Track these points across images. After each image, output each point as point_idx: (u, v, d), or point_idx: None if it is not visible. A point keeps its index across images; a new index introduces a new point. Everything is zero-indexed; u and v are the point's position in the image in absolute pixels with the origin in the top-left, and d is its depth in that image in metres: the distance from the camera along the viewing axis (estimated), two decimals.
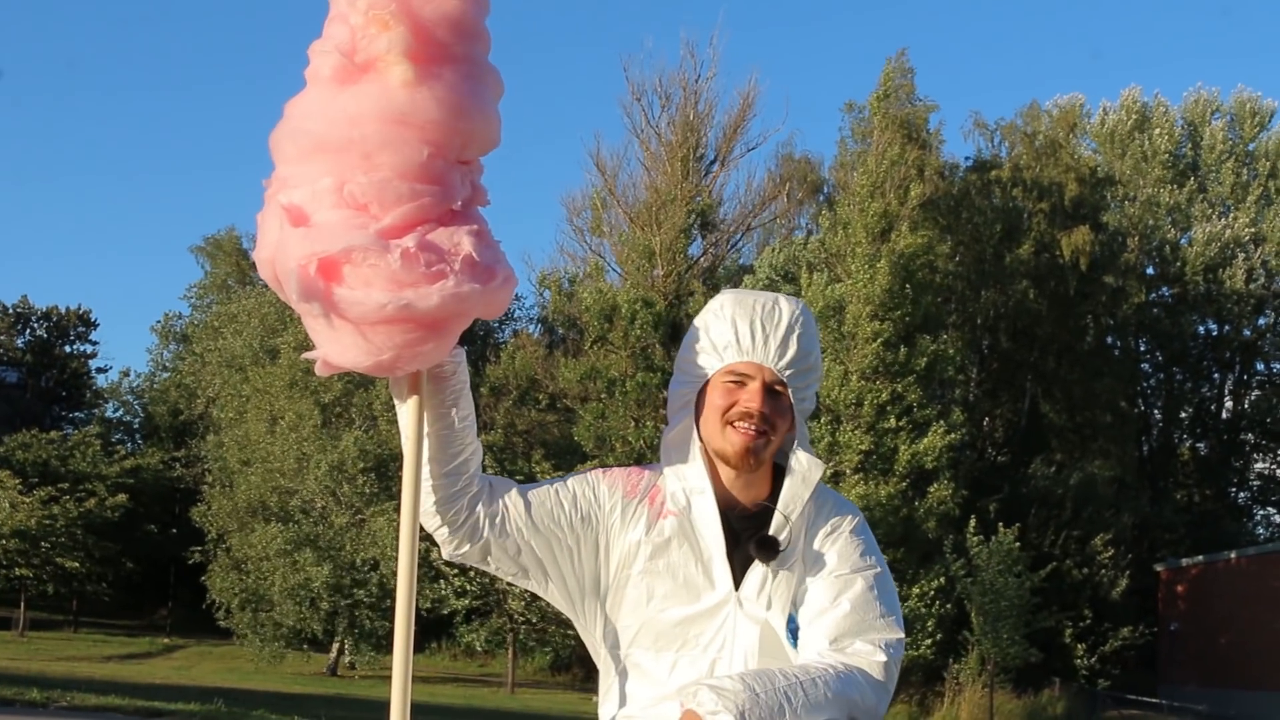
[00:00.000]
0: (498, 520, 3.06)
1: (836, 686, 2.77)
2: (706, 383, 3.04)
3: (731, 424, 2.97)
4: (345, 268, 2.79)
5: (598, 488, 3.09)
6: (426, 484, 3.04)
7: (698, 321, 3.08)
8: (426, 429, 3.01)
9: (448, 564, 35.31)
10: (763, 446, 2.97)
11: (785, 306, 3.02)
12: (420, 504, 3.03)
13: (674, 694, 2.92)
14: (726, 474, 3.03)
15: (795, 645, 2.94)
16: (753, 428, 2.96)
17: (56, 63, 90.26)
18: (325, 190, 2.84)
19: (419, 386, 2.99)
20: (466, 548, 3.09)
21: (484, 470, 3.15)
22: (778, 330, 2.98)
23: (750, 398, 2.97)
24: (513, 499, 3.08)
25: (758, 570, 2.97)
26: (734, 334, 2.99)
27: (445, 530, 3.08)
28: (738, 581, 2.98)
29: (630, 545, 3.04)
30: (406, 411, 3.00)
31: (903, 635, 2.94)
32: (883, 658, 2.86)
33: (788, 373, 2.98)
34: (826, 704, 2.73)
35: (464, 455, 3.05)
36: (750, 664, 2.91)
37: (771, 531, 2.97)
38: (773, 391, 2.98)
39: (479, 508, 3.06)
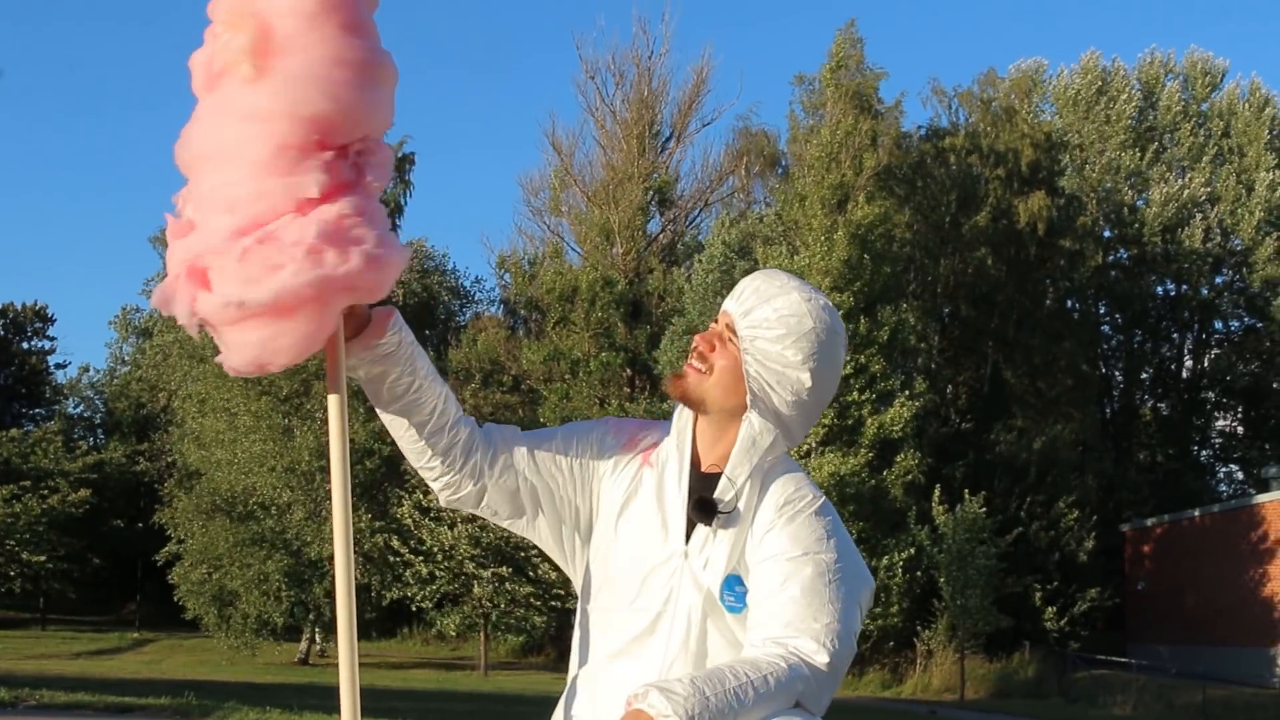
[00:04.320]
0: (498, 464, 3.12)
1: (785, 680, 2.76)
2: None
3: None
4: (208, 272, 2.82)
5: (605, 437, 3.18)
6: (418, 445, 3.09)
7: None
8: (407, 398, 3.05)
9: (414, 552, 35.36)
10: (694, 382, 3.04)
11: (795, 295, 3.02)
12: (418, 460, 3.11)
13: (625, 648, 3.01)
14: (700, 430, 3.09)
15: (731, 608, 2.96)
16: (691, 357, 3.05)
17: (8, 59, 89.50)
18: (204, 197, 2.87)
19: (339, 383, 2.99)
20: (465, 491, 3.15)
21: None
22: (763, 296, 3.02)
23: (701, 335, 3.07)
24: (515, 441, 3.16)
25: (702, 529, 3.00)
26: (737, 289, 3.08)
27: (444, 479, 3.13)
28: (689, 538, 3.02)
29: (612, 496, 3.11)
30: (332, 408, 3.02)
31: (849, 627, 2.91)
32: (825, 658, 2.83)
33: (743, 322, 3.00)
34: (773, 698, 2.74)
35: (438, 407, 3.09)
36: (694, 619, 2.96)
37: (717, 494, 3.00)
38: (724, 336, 3.04)
39: (475, 454, 3.12)
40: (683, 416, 3.09)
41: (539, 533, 3.20)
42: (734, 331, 3.02)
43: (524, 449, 3.14)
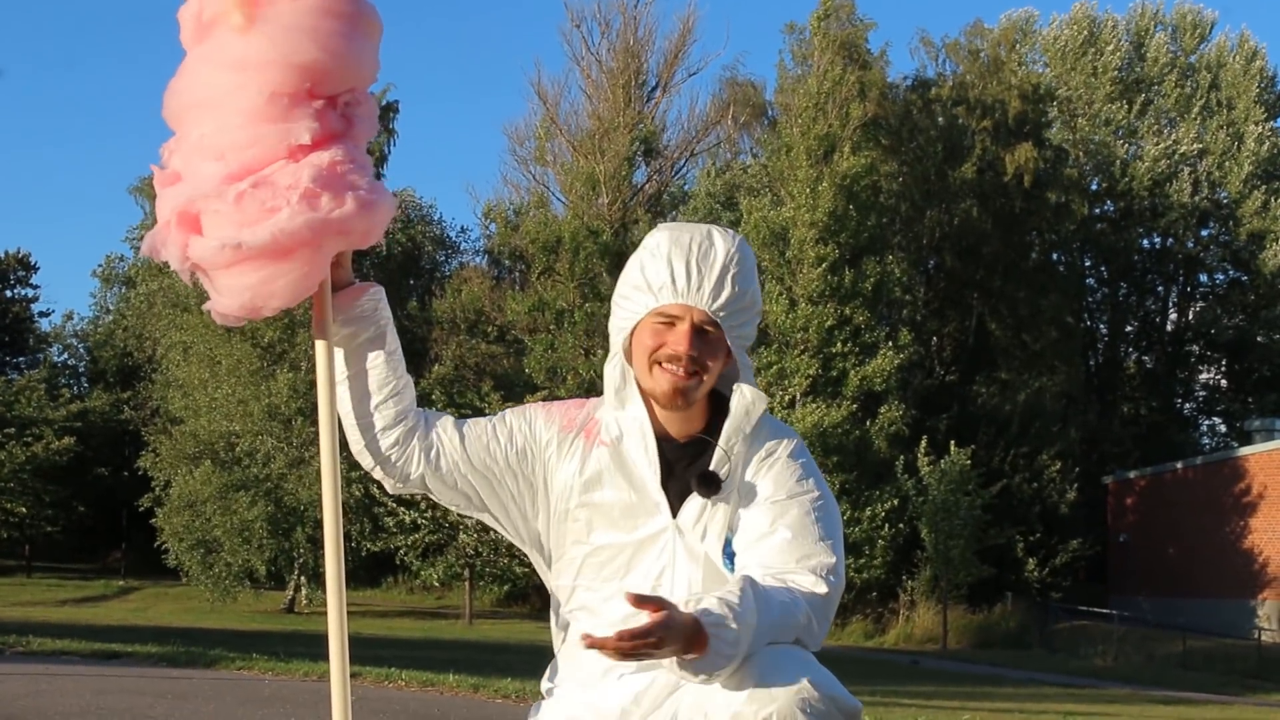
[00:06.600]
0: (433, 455, 3.08)
1: (787, 609, 2.79)
2: (639, 320, 3.00)
3: (659, 364, 2.95)
4: (201, 217, 2.91)
5: (534, 422, 3.10)
6: (365, 421, 3.08)
7: (634, 258, 3.02)
8: (366, 366, 3.07)
9: (396, 501, 35.38)
10: (694, 387, 2.95)
11: (720, 244, 2.95)
12: (359, 442, 3.09)
13: (619, 623, 2.91)
14: (659, 408, 3.02)
15: (733, 571, 2.95)
16: (681, 370, 2.93)
17: None
18: (193, 146, 2.95)
19: (325, 330, 3.03)
20: (405, 484, 3.13)
21: (433, 404, 3.15)
22: (712, 271, 2.92)
23: (678, 340, 2.93)
24: (448, 434, 3.09)
25: (695, 500, 2.98)
26: (669, 274, 2.93)
27: (384, 467, 3.11)
28: (674, 510, 2.99)
29: (567, 478, 3.05)
30: (319, 355, 3.04)
31: (840, 559, 2.94)
32: (824, 589, 2.87)
33: (721, 314, 2.93)
34: (780, 629, 2.76)
35: (399, 388, 3.09)
36: (694, 591, 2.92)
37: (713, 466, 2.97)
38: (702, 331, 2.94)
39: (414, 442, 3.09)
40: (629, 391, 3.03)
41: (495, 524, 3.17)
42: (714, 324, 2.94)
43: (458, 442, 3.09)
